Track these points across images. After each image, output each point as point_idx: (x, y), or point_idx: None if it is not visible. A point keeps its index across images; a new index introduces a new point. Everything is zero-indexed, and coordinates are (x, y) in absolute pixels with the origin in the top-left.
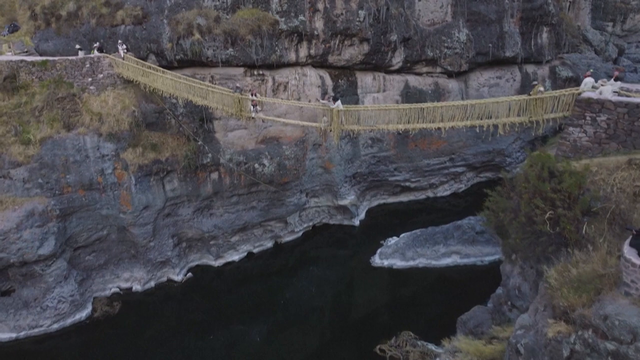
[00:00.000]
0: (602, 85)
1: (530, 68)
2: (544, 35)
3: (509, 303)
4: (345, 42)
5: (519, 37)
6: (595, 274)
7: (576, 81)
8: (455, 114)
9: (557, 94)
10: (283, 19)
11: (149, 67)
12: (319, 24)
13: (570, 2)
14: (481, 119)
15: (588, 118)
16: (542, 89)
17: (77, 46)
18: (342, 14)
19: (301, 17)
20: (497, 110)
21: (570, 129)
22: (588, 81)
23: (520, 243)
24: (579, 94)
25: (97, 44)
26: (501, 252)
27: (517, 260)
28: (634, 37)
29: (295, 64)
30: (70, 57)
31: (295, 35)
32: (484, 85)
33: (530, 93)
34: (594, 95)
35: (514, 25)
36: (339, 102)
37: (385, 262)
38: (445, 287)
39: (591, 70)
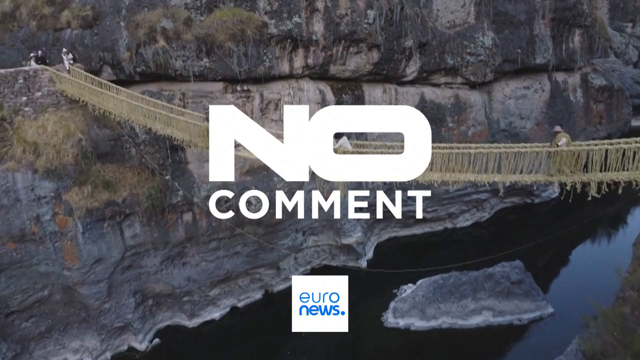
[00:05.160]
0: None
1: (560, 76)
2: (576, 38)
3: None
4: (351, 49)
5: (550, 41)
6: None
7: (610, 90)
8: (524, 163)
9: None
10: (273, 21)
11: (100, 84)
12: (318, 26)
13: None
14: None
15: None
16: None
17: None
18: (346, 14)
19: (296, 19)
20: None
21: None
22: None
23: None
24: None
25: (34, 53)
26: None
27: None
28: None
29: (289, 76)
30: None
31: (289, 41)
32: (509, 97)
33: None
34: None
35: (544, 28)
36: (344, 139)
37: (401, 322)
38: (478, 357)
39: None
